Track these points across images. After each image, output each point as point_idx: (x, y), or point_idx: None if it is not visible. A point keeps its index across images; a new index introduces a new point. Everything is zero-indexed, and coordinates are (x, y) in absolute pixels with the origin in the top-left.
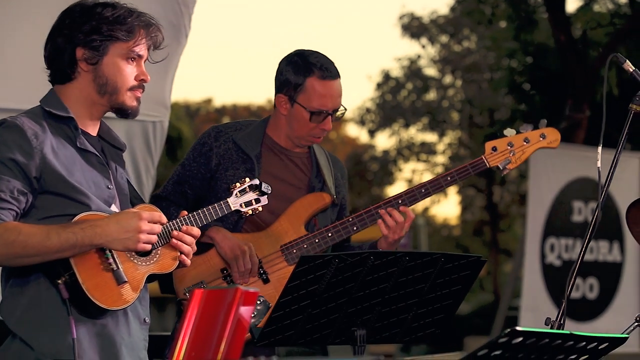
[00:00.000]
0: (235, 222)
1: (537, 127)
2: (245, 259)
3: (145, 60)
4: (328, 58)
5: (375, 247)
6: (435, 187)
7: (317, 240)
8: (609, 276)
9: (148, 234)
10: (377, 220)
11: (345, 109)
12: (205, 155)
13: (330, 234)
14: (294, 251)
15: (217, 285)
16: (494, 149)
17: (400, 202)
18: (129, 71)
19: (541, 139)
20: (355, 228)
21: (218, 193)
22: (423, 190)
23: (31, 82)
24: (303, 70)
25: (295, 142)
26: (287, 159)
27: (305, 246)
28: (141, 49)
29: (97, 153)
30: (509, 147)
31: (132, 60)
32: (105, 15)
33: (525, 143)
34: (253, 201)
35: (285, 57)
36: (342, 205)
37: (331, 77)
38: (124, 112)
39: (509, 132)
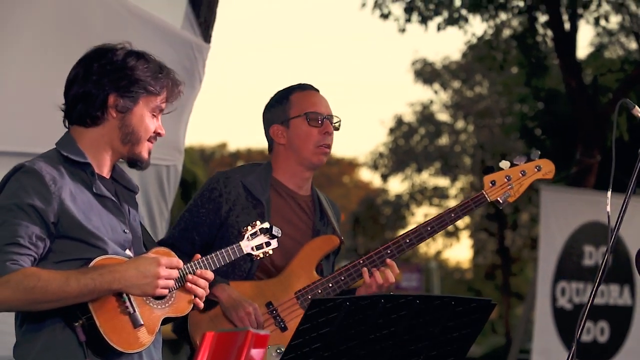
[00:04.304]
0: (248, 270)
1: (531, 159)
2: (250, 319)
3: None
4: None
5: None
6: (441, 224)
7: (330, 285)
8: (620, 320)
9: (166, 279)
10: (385, 260)
11: (340, 119)
12: (215, 202)
13: (342, 278)
14: (309, 297)
15: None
16: (493, 183)
17: (408, 241)
18: (152, 124)
19: (537, 170)
20: (366, 269)
21: (229, 239)
22: (429, 228)
23: (33, 125)
24: (284, 93)
25: (306, 165)
26: (293, 202)
27: (319, 291)
28: (165, 105)
29: (112, 198)
30: (507, 181)
31: (154, 115)
32: (140, 67)
33: (522, 175)
34: (264, 244)
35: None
36: (339, 250)
37: (312, 89)
38: (138, 163)
39: (504, 164)
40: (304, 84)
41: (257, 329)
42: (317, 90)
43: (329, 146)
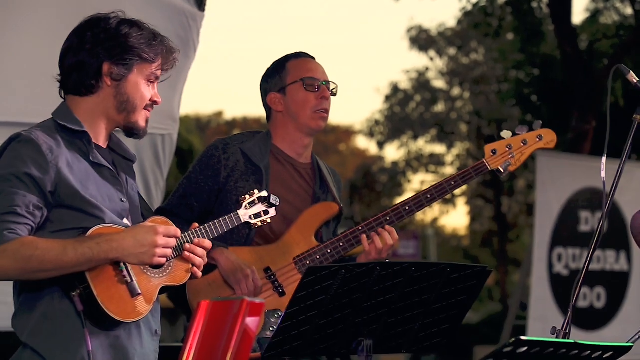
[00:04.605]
0: (247, 235)
1: (532, 129)
2: (248, 282)
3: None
4: None
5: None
6: (440, 192)
7: (329, 251)
8: (616, 285)
9: (163, 248)
10: (384, 226)
11: (337, 85)
12: (214, 168)
13: (341, 244)
14: (307, 262)
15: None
16: (494, 151)
17: (407, 208)
18: (148, 91)
19: (538, 140)
20: (365, 236)
21: (228, 205)
22: (429, 196)
23: (29, 96)
24: (280, 63)
25: (305, 131)
26: (293, 169)
27: (318, 257)
28: (160, 72)
29: (109, 167)
30: (508, 150)
31: (150, 82)
32: (134, 35)
33: (523, 145)
34: (262, 213)
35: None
36: (340, 217)
37: (308, 57)
38: (134, 132)
39: (506, 134)
40: (299, 52)
41: (255, 291)
42: (313, 58)
43: (326, 111)
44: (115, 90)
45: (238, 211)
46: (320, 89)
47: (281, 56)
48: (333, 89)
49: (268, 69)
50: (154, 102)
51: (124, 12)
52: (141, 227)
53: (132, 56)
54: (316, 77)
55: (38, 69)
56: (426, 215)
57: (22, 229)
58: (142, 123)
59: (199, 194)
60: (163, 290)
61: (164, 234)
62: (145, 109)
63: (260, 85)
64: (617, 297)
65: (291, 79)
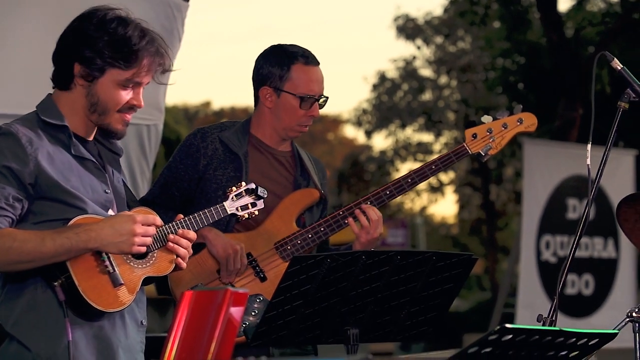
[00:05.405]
0: (227, 222)
1: (513, 113)
2: (236, 258)
3: (147, 83)
4: (305, 48)
5: (350, 249)
6: (421, 176)
7: (310, 236)
8: (604, 272)
9: (142, 236)
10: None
11: (327, 98)
12: (193, 157)
13: (322, 229)
14: (288, 248)
15: (214, 286)
16: (474, 136)
17: (388, 192)
18: (122, 96)
19: (519, 123)
20: (346, 221)
21: (208, 193)
22: (410, 180)
23: (28, 87)
24: (287, 59)
25: (282, 135)
26: (272, 158)
27: (299, 242)
28: (142, 78)
29: (92, 159)
30: (488, 134)
31: (127, 87)
32: (116, 37)
33: (503, 128)
34: (249, 205)
35: (262, 53)
36: (325, 205)
37: (314, 64)
38: (109, 134)
39: (487, 119)
40: (308, 55)
41: (240, 269)
42: (318, 63)
43: (309, 125)
44: (87, 90)
45: (224, 203)
46: (313, 107)
47: (288, 44)
48: (323, 101)
49: (273, 55)
50: (132, 106)
51: (127, 12)
52: (119, 216)
53: (103, 62)
54: (313, 94)
55: (37, 60)
56: (415, 203)
57: (1, 221)
58: (116, 126)
59: (179, 182)
60: (147, 280)
61: (142, 222)
62: (122, 112)
63: (258, 64)
64: (605, 284)
65: (290, 87)
